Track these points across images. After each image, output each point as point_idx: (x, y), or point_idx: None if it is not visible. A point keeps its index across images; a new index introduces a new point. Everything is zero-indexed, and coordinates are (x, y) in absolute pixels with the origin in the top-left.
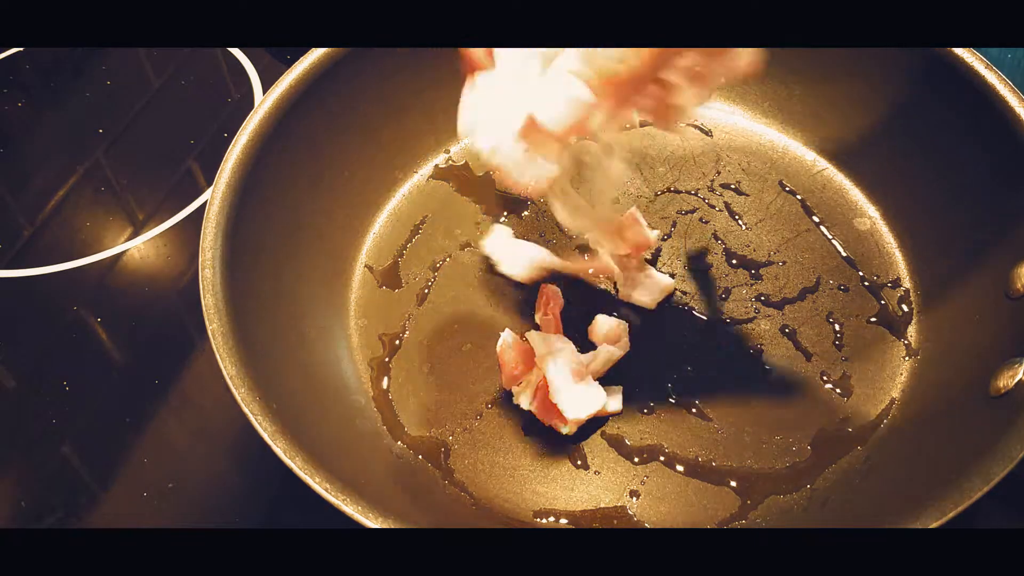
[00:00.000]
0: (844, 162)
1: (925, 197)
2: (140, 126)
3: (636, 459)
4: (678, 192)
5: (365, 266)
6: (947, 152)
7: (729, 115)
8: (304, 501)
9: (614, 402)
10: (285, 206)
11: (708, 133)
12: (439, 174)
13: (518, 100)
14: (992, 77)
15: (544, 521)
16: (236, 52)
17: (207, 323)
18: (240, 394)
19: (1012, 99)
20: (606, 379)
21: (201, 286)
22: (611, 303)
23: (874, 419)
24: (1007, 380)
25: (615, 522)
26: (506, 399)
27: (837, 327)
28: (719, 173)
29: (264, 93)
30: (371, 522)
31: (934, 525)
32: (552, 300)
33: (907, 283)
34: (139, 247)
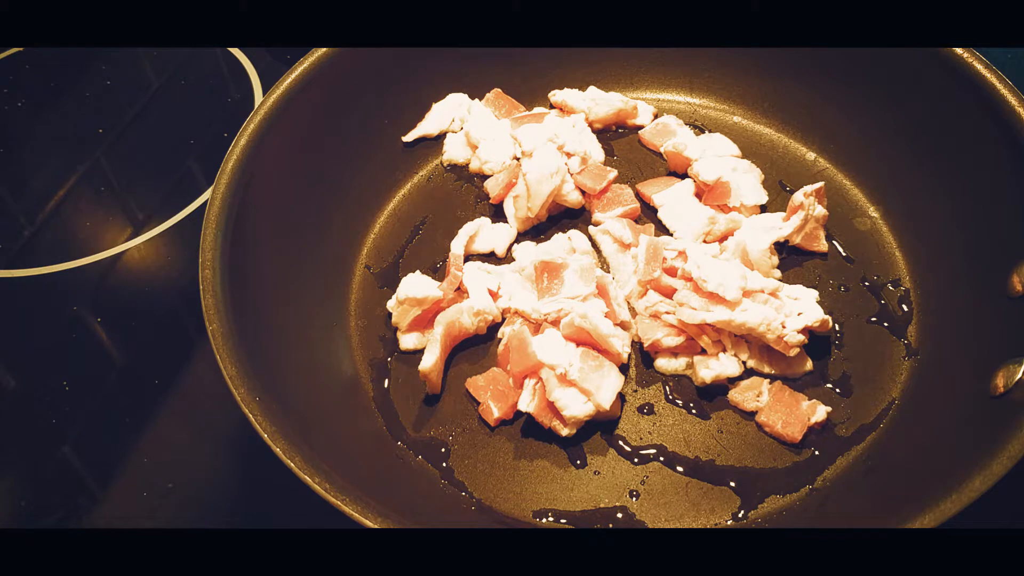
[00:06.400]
0: (844, 162)
1: (925, 197)
2: (140, 126)
3: (636, 459)
4: None
5: (365, 267)
6: (947, 152)
7: (729, 115)
8: (304, 501)
9: (612, 403)
10: (285, 206)
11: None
12: (439, 174)
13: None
14: (992, 77)
15: (544, 521)
16: (236, 52)
17: (207, 323)
18: (240, 394)
19: (1012, 99)
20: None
21: (201, 286)
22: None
23: (874, 419)
24: (1007, 380)
25: (615, 522)
26: None
27: (837, 327)
28: None
29: (264, 93)
30: (371, 522)
31: (934, 525)
32: None
33: (907, 283)
34: (139, 247)
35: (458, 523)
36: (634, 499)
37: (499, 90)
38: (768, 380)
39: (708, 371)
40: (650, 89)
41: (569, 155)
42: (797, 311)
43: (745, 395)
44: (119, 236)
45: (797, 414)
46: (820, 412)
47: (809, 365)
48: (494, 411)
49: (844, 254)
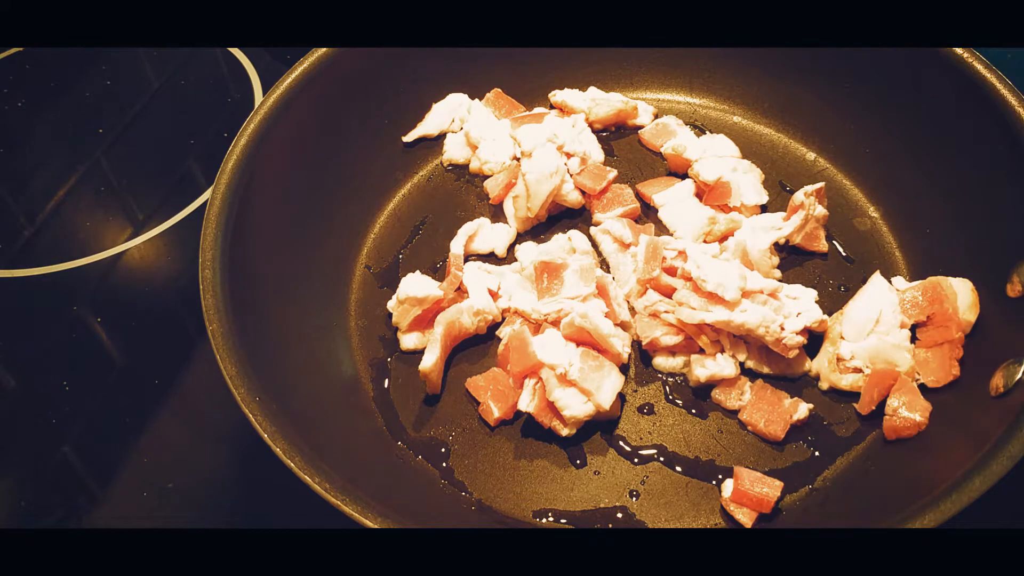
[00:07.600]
0: (844, 162)
1: (925, 197)
2: (140, 126)
3: (636, 459)
4: None
5: (365, 267)
6: (947, 152)
7: (729, 115)
8: (304, 501)
9: (612, 403)
10: (285, 206)
11: (708, 133)
12: (439, 174)
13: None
14: (992, 77)
15: (544, 521)
16: (236, 52)
17: (207, 323)
18: (240, 394)
19: (1012, 99)
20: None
21: (201, 286)
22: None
23: (874, 419)
24: (1007, 380)
25: (615, 522)
26: None
27: None
28: None
29: (264, 93)
30: (371, 522)
31: (934, 525)
32: None
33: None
34: (139, 247)
35: (458, 523)
36: (634, 499)
37: (499, 90)
38: (750, 379)
39: (703, 370)
40: (650, 89)
41: (569, 155)
42: (796, 311)
43: (728, 394)
44: (119, 236)
45: (779, 412)
46: (802, 410)
47: (808, 365)
48: (494, 411)
49: (844, 254)
